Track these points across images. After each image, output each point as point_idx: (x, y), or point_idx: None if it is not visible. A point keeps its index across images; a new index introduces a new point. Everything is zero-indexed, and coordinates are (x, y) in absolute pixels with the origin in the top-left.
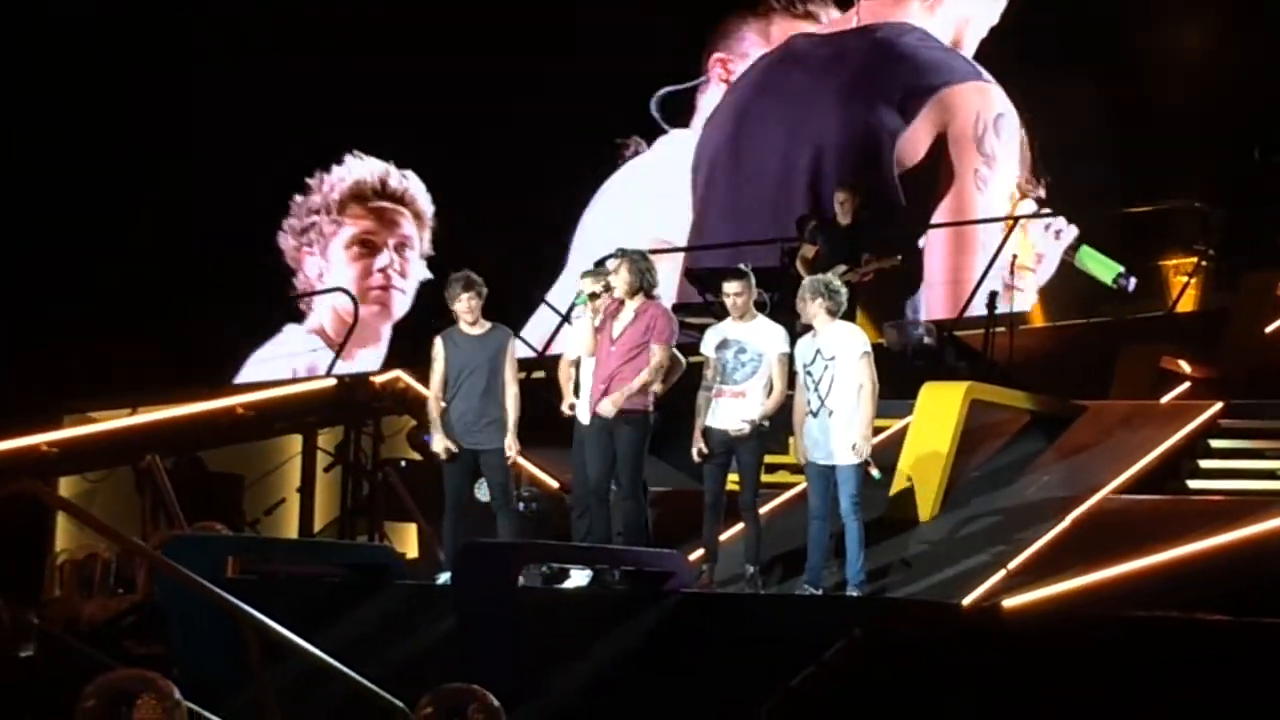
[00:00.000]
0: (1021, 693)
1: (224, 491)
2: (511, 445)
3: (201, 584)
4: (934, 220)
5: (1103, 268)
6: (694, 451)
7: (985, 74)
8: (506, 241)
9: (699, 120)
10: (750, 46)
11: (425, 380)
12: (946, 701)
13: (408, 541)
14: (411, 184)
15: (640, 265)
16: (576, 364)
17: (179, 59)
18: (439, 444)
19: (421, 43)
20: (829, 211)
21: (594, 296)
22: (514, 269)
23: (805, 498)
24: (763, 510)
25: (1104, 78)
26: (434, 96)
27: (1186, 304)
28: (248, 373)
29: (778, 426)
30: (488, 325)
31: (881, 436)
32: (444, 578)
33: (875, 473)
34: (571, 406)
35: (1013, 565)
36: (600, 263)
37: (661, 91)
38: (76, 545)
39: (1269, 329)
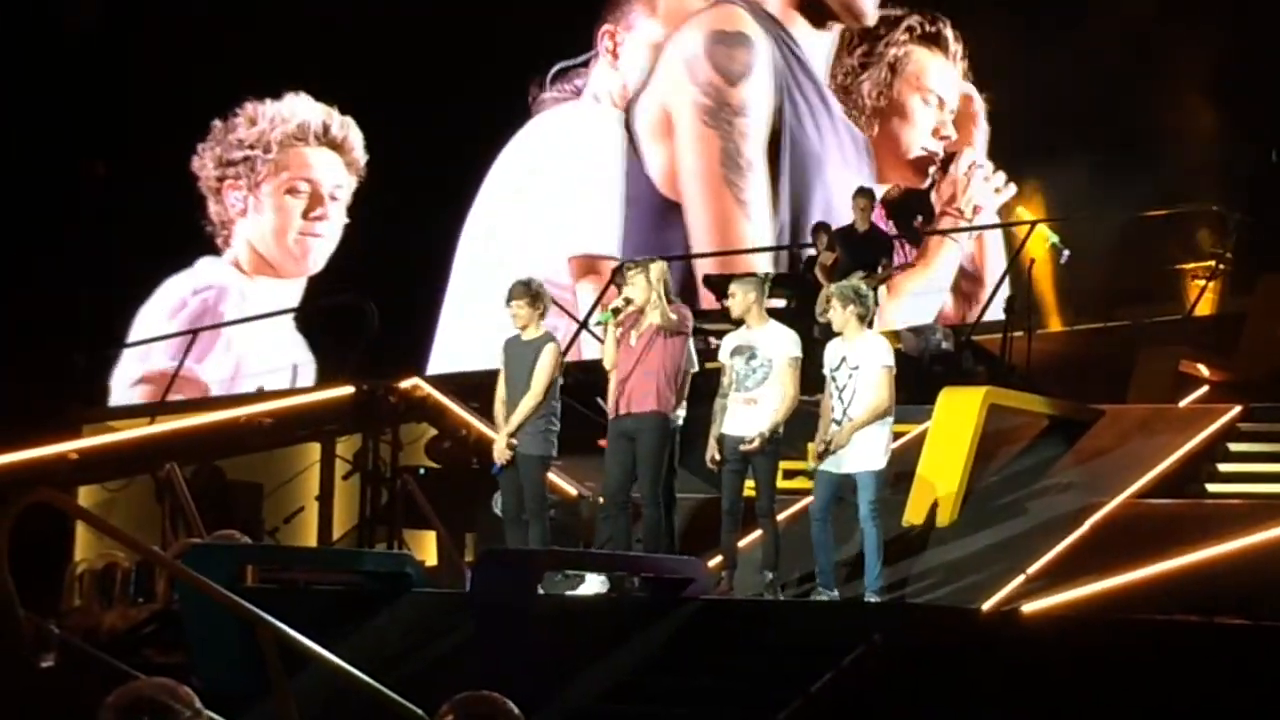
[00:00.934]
0: (1041, 698)
1: (243, 500)
2: (502, 450)
3: (221, 592)
4: None
5: (1037, 237)
6: (708, 458)
7: None
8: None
9: (589, 93)
10: (638, 19)
11: (442, 388)
12: (966, 707)
13: (427, 549)
14: (351, 132)
15: (656, 274)
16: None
17: None
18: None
19: None
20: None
21: (616, 312)
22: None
23: None
24: (780, 516)
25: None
26: (377, 46)
27: (1205, 307)
28: (157, 301)
29: (794, 432)
30: (539, 331)
31: (900, 441)
32: None
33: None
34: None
35: (1032, 570)
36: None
37: (555, 68)
38: (96, 554)
39: None
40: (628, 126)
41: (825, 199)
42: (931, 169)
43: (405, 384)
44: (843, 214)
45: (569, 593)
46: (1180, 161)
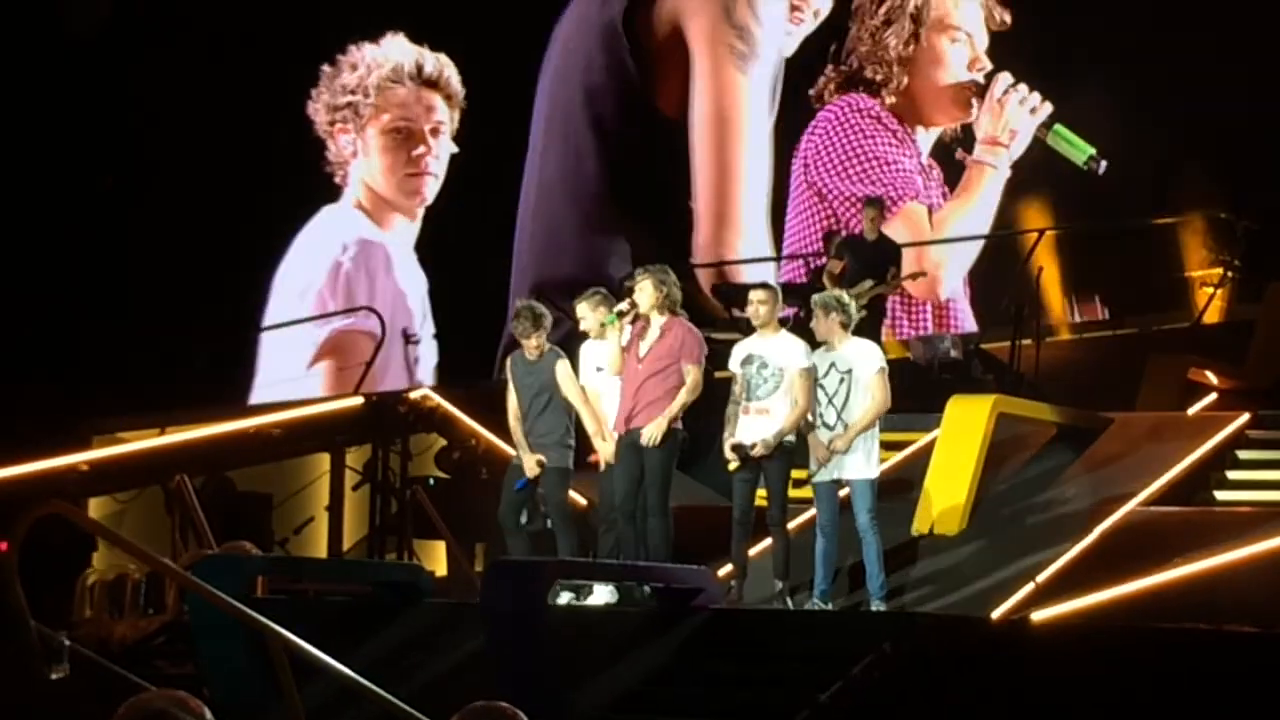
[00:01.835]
0: (1051, 706)
1: (253, 511)
2: (532, 467)
3: (231, 604)
4: None
5: (1075, 148)
6: (726, 462)
7: None
8: None
9: None
10: None
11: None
12: (977, 715)
13: (437, 559)
14: (447, 69)
15: (663, 281)
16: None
17: None
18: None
19: None
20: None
21: (621, 315)
22: None
23: None
24: (791, 525)
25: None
26: None
27: (1213, 315)
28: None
29: (806, 442)
30: (543, 350)
31: (909, 450)
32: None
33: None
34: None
35: (1041, 578)
36: (598, 290)
37: None
38: (106, 566)
39: None
40: None
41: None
42: (973, 99)
43: (414, 394)
44: None
45: (577, 602)
46: (1189, 167)
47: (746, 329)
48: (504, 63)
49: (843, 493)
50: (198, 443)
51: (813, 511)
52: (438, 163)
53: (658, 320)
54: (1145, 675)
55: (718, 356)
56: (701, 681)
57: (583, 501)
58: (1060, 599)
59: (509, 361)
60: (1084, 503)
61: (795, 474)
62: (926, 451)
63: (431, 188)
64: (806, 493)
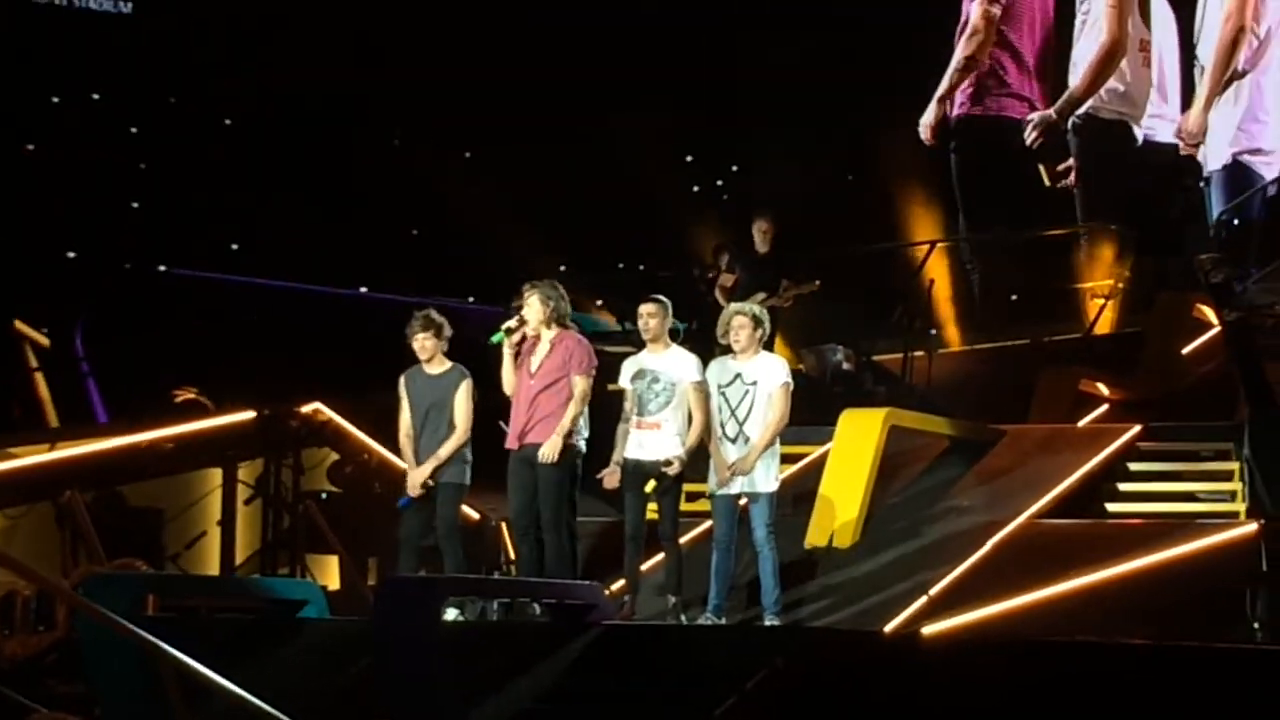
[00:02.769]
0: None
1: (144, 526)
2: (415, 485)
3: (121, 624)
4: None
5: None
6: (604, 482)
7: None
8: None
9: None
10: None
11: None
12: None
13: (330, 573)
14: None
15: (550, 295)
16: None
17: None
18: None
19: None
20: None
21: (509, 332)
22: None
23: None
24: (683, 540)
25: None
26: None
27: (1104, 326)
28: None
29: (695, 456)
30: (445, 364)
31: (801, 463)
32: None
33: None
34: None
35: (934, 591)
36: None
37: None
38: None
39: (1185, 350)
40: None
41: None
42: None
43: (306, 408)
44: None
45: (461, 616)
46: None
47: (639, 343)
48: None
49: (742, 502)
50: (88, 457)
51: (707, 525)
52: None
53: (548, 335)
54: (1037, 688)
55: (611, 369)
56: (595, 698)
57: (475, 516)
58: (953, 612)
59: (404, 377)
60: (977, 515)
61: (692, 488)
62: (820, 464)
63: None
64: (699, 506)
